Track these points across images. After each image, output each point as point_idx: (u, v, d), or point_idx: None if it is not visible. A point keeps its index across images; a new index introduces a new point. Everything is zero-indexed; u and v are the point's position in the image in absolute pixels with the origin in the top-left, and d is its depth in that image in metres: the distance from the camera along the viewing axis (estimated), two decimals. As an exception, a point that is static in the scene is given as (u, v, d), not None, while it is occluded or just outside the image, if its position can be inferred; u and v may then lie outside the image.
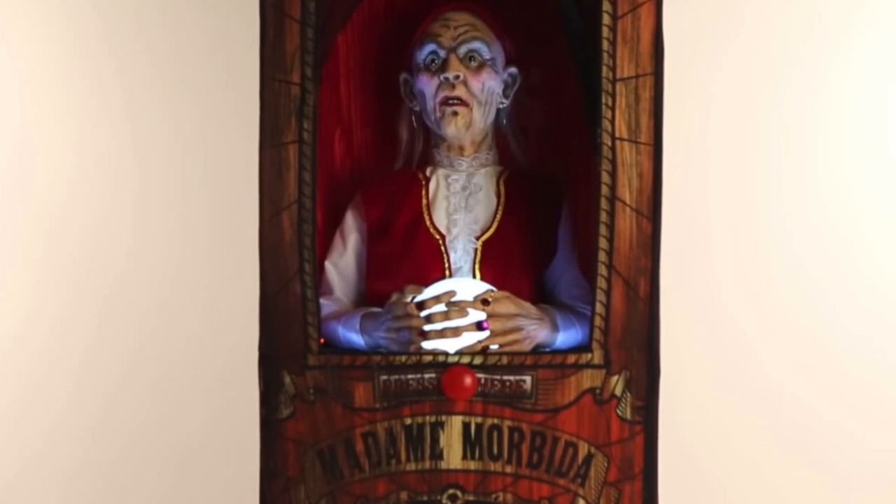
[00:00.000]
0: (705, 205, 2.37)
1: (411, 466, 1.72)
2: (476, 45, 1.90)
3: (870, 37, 2.37)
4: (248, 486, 1.85)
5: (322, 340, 1.76)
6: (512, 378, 1.72)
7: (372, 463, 1.73)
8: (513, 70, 1.96)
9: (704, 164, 2.36)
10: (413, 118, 1.98)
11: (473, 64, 1.89)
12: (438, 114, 1.89)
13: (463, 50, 1.89)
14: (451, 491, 1.72)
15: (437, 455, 1.72)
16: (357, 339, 1.84)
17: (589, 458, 1.72)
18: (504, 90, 1.95)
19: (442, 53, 1.89)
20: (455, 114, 1.88)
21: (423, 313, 1.74)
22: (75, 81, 2.39)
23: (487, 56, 1.90)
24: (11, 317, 2.41)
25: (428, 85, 1.90)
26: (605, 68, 1.70)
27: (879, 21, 2.37)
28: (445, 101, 1.88)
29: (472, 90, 1.89)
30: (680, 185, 2.10)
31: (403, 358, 1.72)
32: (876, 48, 2.37)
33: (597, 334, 1.72)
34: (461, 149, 1.94)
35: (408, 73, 1.96)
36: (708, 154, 2.37)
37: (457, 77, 1.87)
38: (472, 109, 1.89)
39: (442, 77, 1.88)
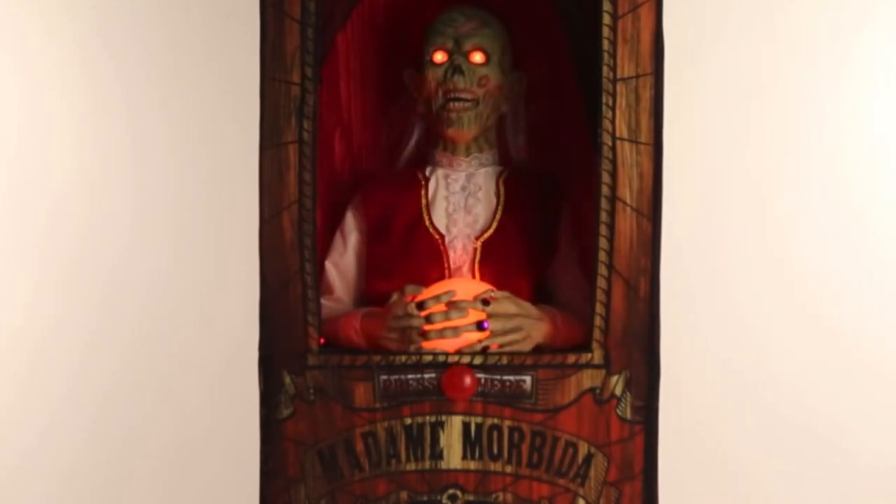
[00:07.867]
0: (705, 205, 2.37)
1: (411, 466, 1.72)
2: (481, 44, 1.90)
3: (871, 36, 2.37)
4: (248, 486, 1.85)
5: (322, 340, 1.76)
6: (512, 378, 1.72)
7: (372, 463, 1.73)
8: (518, 73, 1.96)
9: (704, 164, 2.36)
10: (413, 117, 1.99)
11: (478, 63, 1.89)
12: (442, 112, 1.89)
13: (468, 49, 1.89)
14: (451, 491, 1.72)
15: (437, 455, 1.72)
16: (357, 338, 1.84)
17: (589, 458, 1.72)
18: (508, 92, 1.95)
19: (447, 52, 1.89)
20: (459, 112, 1.88)
21: (423, 313, 1.74)
22: (75, 81, 2.39)
23: (492, 56, 1.90)
24: (9, 317, 2.41)
25: (432, 83, 1.90)
26: (605, 68, 1.71)
27: (880, 21, 2.37)
28: (449, 99, 1.88)
29: (476, 89, 1.88)
30: (680, 185, 2.10)
31: (403, 358, 1.72)
32: (877, 48, 2.37)
33: (597, 334, 1.72)
34: (461, 148, 1.94)
35: (413, 70, 1.96)
36: (708, 154, 2.37)
37: (461, 76, 1.87)
38: (475, 108, 1.89)
39: (446, 75, 1.88)
